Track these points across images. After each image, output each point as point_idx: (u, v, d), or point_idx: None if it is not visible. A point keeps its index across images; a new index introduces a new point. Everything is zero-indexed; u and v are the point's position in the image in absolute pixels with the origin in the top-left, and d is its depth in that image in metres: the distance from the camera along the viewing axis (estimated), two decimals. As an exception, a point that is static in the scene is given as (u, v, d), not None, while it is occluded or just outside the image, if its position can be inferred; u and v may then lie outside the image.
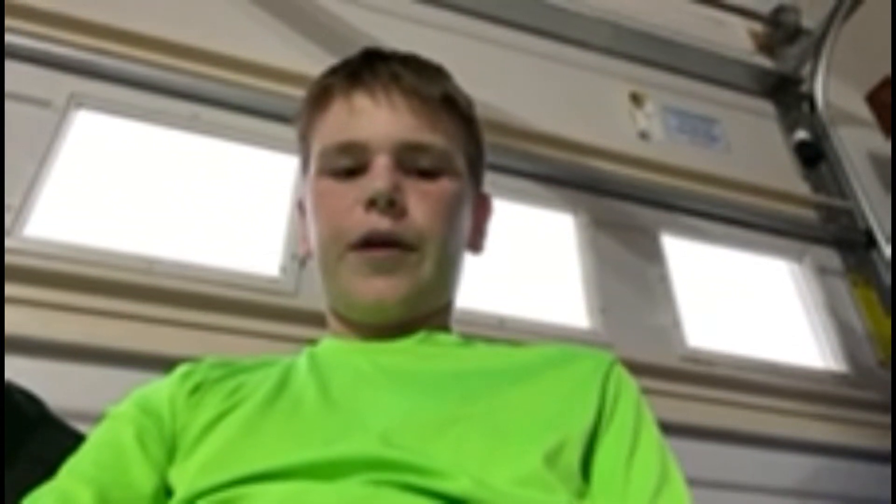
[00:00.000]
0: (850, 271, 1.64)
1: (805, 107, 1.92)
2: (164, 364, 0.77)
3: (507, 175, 1.42)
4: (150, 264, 1.06)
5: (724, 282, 1.53)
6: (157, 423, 0.56)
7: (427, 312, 0.65)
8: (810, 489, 1.27)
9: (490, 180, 0.78)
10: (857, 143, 1.89)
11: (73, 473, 0.52)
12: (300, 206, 0.73)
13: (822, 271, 1.61)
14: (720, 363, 1.35)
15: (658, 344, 1.33)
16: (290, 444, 0.51)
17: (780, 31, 1.97)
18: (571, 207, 1.47)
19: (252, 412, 0.54)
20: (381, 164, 0.61)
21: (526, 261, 1.37)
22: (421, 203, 0.62)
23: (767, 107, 1.95)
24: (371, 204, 0.60)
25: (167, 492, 0.53)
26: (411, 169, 0.63)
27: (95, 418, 0.59)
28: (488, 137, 0.75)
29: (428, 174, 0.64)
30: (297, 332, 1.03)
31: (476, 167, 0.72)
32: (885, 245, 1.62)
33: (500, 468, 0.48)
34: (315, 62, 1.16)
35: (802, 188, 1.77)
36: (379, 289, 0.60)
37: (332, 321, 0.68)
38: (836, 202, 1.74)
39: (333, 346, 0.66)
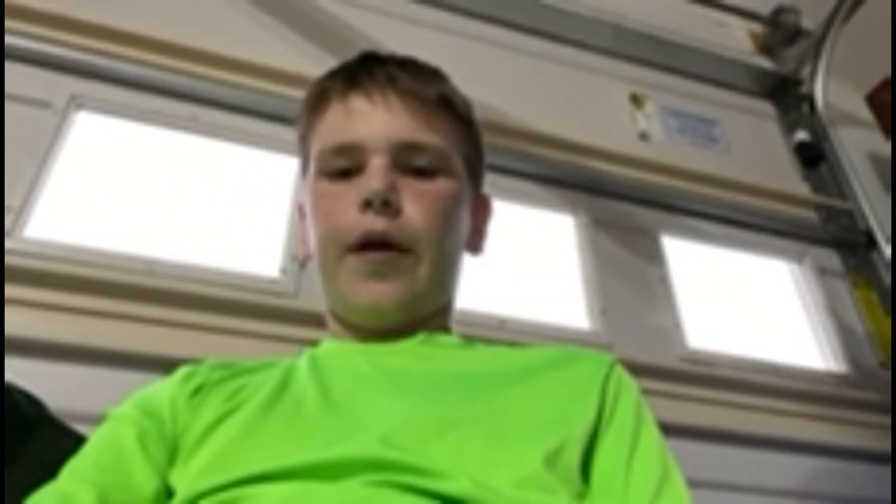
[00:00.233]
0: (850, 272, 1.64)
1: (805, 107, 1.92)
2: (163, 365, 0.77)
3: (508, 176, 1.42)
4: (149, 265, 1.06)
5: (724, 282, 1.53)
6: (158, 424, 0.56)
7: (426, 314, 0.65)
8: (810, 490, 1.27)
9: (490, 181, 0.78)
10: (857, 143, 1.89)
11: (75, 475, 0.52)
12: (300, 209, 0.73)
13: (822, 272, 1.61)
14: (720, 364, 1.35)
15: (658, 345, 1.33)
16: (291, 445, 0.51)
17: (779, 32, 1.97)
18: (571, 208, 1.47)
19: (253, 414, 0.55)
20: (377, 165, 0.62)
21: (526, 261, 1.37)
22: (417, 203, 0.62)
23: (767, 108, 1.95)
24: (367, 204, 0.60)
25: (168, 493, 0.53)
26: (407, 169, 0.63)
27: (95, 419, 0.59)
28: (489, 138, 0.75)
29: (424, 174, 0.64)
30: (297, 333, 1.03)
31: (474, 168, 0.72)
32: (886, 245, 1.62)
33: (501, 469, 0.48)
34: (315, 63, 1.17)
35: (802, 189, 1.77)
36: (376, 292, 0.60)
37: (331, 323, 0.68)
38: (836, 203, 1.74)
39: (334, 348, 0.66)
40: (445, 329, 0.68)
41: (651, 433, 0.57)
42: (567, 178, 1.49)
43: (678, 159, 1.62)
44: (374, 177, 0.61)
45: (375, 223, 0.60)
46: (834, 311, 1.54)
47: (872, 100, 2.03)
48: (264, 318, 1.06)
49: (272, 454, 0.50)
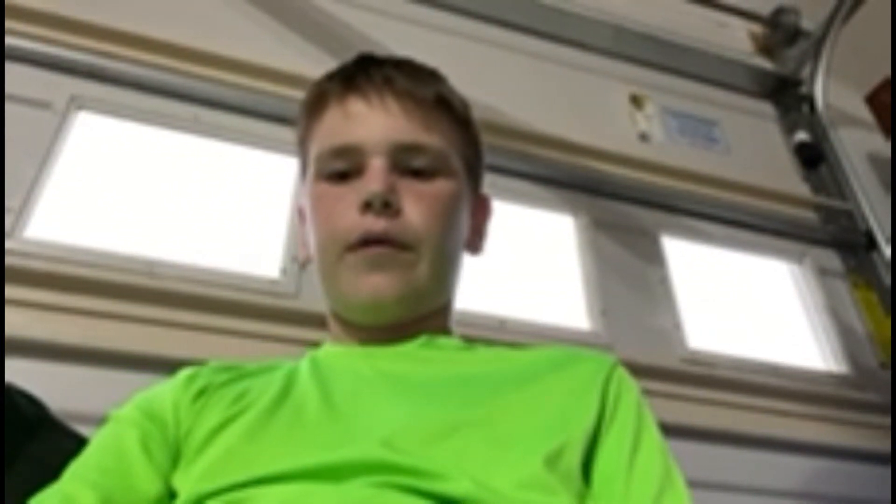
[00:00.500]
0: (850, 273, 1.65)
1: (805, 108, 1.92)
2: (164, 366, 0.77)
3: (508, 176, 1.42)
4: (150, 266, 1.06)
5: (725, 283, 1.53)
6: (160, 427, 0.56)
7: (425, 313, 0.65)
8: (810, 490, 1.27)
9: (490, 182, 0.78)
10: (857, 144, 1.89)
11: (77, 477, 0.52)
12: (300, 212, 0.73)
13: (822, 273, 1.61)
14: (721, 364, 1.35)
15: (658, 345, 1.33)
16: (293, 449, 0.51)
17: (779, 33, 1.97)
18: (572, 209, 1.47)
19: (255, 419, 0.55)
20: (376, 167, 0.62)
21: (526, 262, 1.37)
22: (416, 204, 0.62)
23: (767, 108, 1.95)
24: (366, 206, 0.60)
25: (171, 496, 0.53)
26: (406, 170, 0.63)
27: (96, 420, 0.59)
28: (489, 139, 0.75)
29: (423, 175, 0.64)
30: (297, 334, 1.04)
31: (473, 168, 0.72)
32: (886, 246, 1.62)
33: (502, 471, 0.48)
34: (315, 63, 1.17)
35: (802, 189, 1.77)
36: (376, 284, 0.60)
37: (333, 325, 0.68)
38: (836, 203, 1.74)
39: (335, 351, 0.66)
40: (445, 330, 0.68)
41: (652, 434, 0.57)
42: (567, 178, 1.49)
43: (678, 160, 1.62)
44: (374, 179, 0.61)
45: (375, 224, 0.60)
46: (834, 312, 1.54)
47: (872, 100, 2.03)
48: (265, 319, 1.06)
49: (274, 458, 0.50)
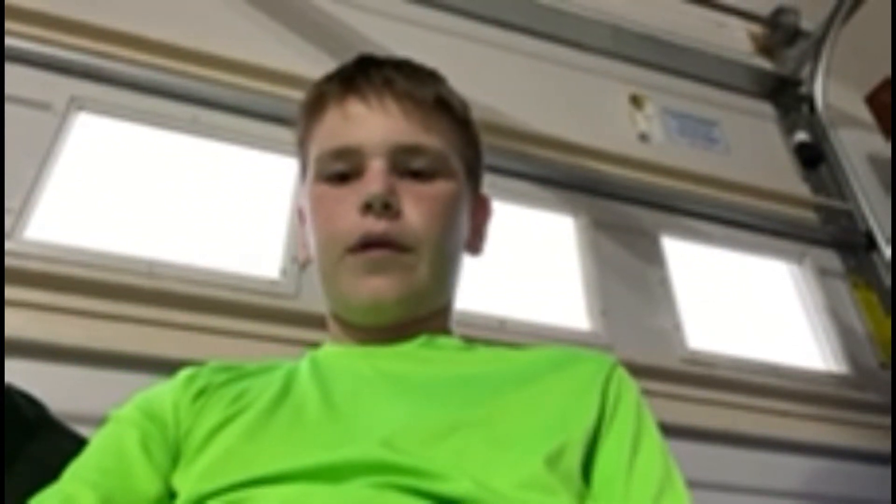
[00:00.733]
0: (850, 273, 1.65)
1: (804, 108, 1.92)
2: (164, 367, 0.77)
3: (508, 177, 1.42)
4: (150, 267, 1.06)
5: (725, 283, 1.53)
6: (160, 428, 0.56)
7: (426, 314, 0.65)
8: (810, 491, 1.27)
9: (490, 182, 0.78)
10: (857, 144, 1.90)
11: (77, 478, 0.52)
12: (300, 213, 0.73)
13: (822, 273, 1.61)
14: (720, 365, 1.35)
15: (658, 346, 1.33)
16: (293, 449, 0.51)
17: (779, 33, 1.97)
18: (572, 209, 1.47)
19: (255, 419, 0.55)
20: (376, 168, 0.62)
21: (526, 262, 1.37)
22: (417, 205, 0.62)
23: (767, 108, 1.95)
24: (367, 208, 0.60)
25: (170, 497, 0.53)
26: (406, 171, 0.63)
27: (96, 421, 0.59)
28: (489, 139, 0.75)
29: (423, 176, 0.64)
30: (297, 335, 1.04)
31: (473, 169, 0.72)
32: (886, 247, 1.62)
33: (502, 471, 0.48)
34: (315, 64, 1.17)
35: (802, 190, 1.77)
36: (376, 287, 0.60)
37: (333, 326, 0.68)
38: (836, 204, 1.74)
39: (335, 352, 0.66)
40: (446, 331, 0.68)
41: (652, 435, 0.57)
42: (567, 179, 1.50)
43: (678, 160, 1.62)
44: (374, 180, 0.61)
45: (375, 226, 0.60)
46: (834, 312, 1.54)
47: (872, 100, 2.03)
48: (265, 320, 1.06)
49: (274, 458, 0.50)
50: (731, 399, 1.30)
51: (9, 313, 0.93)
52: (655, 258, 1.47)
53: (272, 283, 1.12)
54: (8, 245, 1.00)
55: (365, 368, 0.60)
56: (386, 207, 0.60)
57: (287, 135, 1.21)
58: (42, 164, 1.09)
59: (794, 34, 1.95)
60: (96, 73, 1.21)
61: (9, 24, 1.17)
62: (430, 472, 0.47)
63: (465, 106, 0.71)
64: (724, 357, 1.37)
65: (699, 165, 1.63)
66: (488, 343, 0.71)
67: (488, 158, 0.76)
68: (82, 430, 0.64)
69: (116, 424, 0.57)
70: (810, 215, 1.71)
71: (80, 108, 1.19)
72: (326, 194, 0.64)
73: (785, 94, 1.95)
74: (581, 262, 1.40)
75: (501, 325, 1.22)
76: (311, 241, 0.66)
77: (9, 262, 0.96)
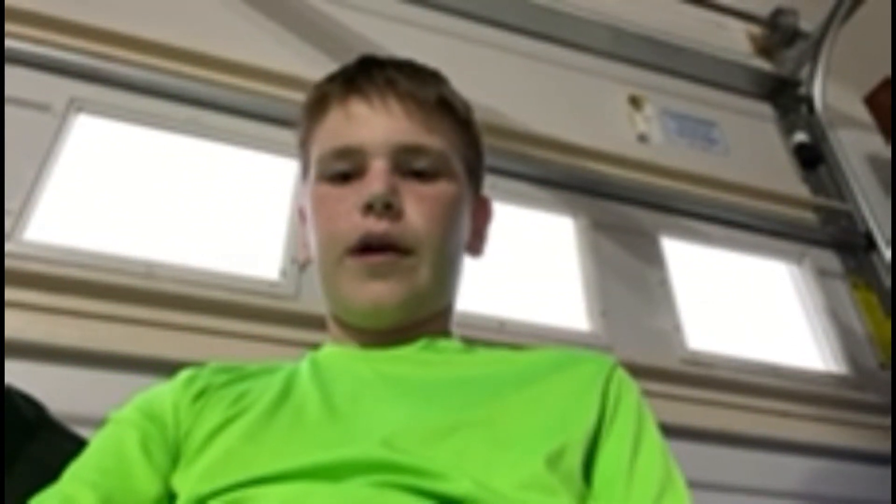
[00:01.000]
0: (849, 273, 1.65)
1: (803, 109, 1.92)
2: (164, 368, 0.77)
3: (507, 178, 1.42)
4: (149, 268, 1.06)
5: (724, 284, 1.53)
6: (160, 428, 0.56)
7: (426, 316, 0.65)
8: (810, 491, 1.27)
9: (490, 183, 0.78)
10: (856, 145, 1.90)
11: (77, 478, 0.52)
12: (301, 213, 0.73)
13: (821, 273, 1.61)
14: (720, 365, 1.35)
15: (658, 346, 1.33)
16: (293, 450, 0.51)
17: (778, 34, 1.98)
18: (571, 210, 1.47)
19: (255, 420, 0.55)
20: (378, 168, 0.62)
21: (526, 263, 1.37)
22: (418, 206, 0.62)
23: (766, 109, 1.95)
24: (368, 208, 0.60)
25: (170, 497, 0.53)
26: (408, 172, 0.63)
27: (95, 422, 0.59)
28: (489, 140, 0.75)
29: (425, 177, 0.64)
30: (297, 336, 1.03)
31: (474, 170, 0.72)
32: (886, 248, 1.62)
33: (502, 471, 0.48)
34: (314, 65, 1.17)
35: (801, 190, 1.77)
36: (376, 292, 0.60)
37: (332, 327, 0.68)
38: (836, 204, 1.74)
39: (335, 353, 0.66)
40: (446, 332, 0.68)
41: (653, 436, 0.57)
42: (567, 180, 1.50)
43: (677, 161, 1.62)
44: (376, 180, 0.61)
45: (376, 226, 0.60)
46: (833, 313, 1.54)
47: (871, 101, 2.03)
48: (264, 321, 1.06)
49: (274, 458, 0.50)
50: (730, 399, 1.30)
51: (8, 314, 0.92)
52: (655, 259, 1.47)
53: (272, 284, 1.12)
54: (8, 246, 1.00)
55: (365, 370, 0.60)
56: (387, 207, 0.60)
57: (286, 136, 1.22)
58: (41, 166, 1.09)
59: (793, 35, 1.95)
60: (95, 74, 1.21)
61: (8, 26, 1.17)
62: (430, 471, 0.47)
63: (467, 107, 0.71)
64: (724, 357, 1.37)
65: (698, 166, 1.63)
66: (488, 344, 0.71)
67: (488, 159, 0.76)
68: (82, 432, 0.64)
69: (116, 425, 0.57)
70: (809, 216, 1.71)
71: (80, 109, 1.19)
72: (328, 194, 0.64)
73: (784, 95, 1.96)
74: (581, 262, 1.40)
75: (501, 326, 1.22)
76: (312, 241, 0.66)
77: (8, 263, 0.96)
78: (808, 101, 1.91)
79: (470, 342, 0.68)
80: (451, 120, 0.68)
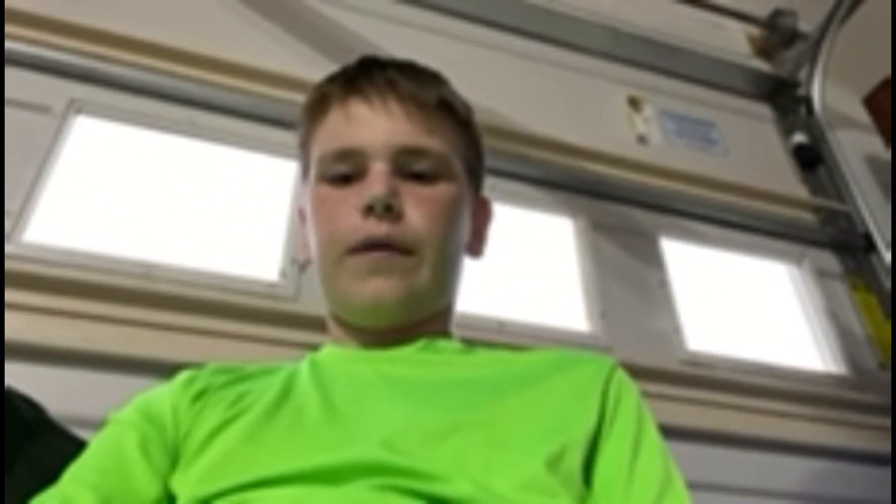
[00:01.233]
0: (848, 274, 1.65)
1: (802, 110, 1.93)
2: (163, 369, 0.77)
3: (507, 179, 1.42)
4: (148, 269, 1.06)
5: (724, 285, 1.54)
6: (159, 430, 0.56)
7: (426, 316, 0.65)
8: (810, 492, 1.27)
9: (489, 184, 0.78)
10: (855, 145, 1.90)
11: (77, 479, 0.52)
12: (301, 214, 0.73)
13: (821, 274, 1.61)
14: (720, 366, 1.35)
15: (658, 347, 1.33)
16: (293, 452, 0.51)
17: (777, 35, 1.98)
18: (570, 211, 1.47)
19: (255, 421, 0.55)
20: (378, 170, 0.62)
21: (525, 264, 1.37)
22: (418, 207, 0.62)
23: (765, 110, 1.95)
24: (368, 210, 0.60)
25: (169, 499, 0.53)
26: (408, 174, 0.63)
27: (95, 424, 0.59)
28: (489, 141, 0.75)
29: (425, 178, 0.64)
30: (297, 337, 1.03)
31: (475, 172, 0.72)
32: (886, 251, 1.62)
33: (502, 473, 0.48)
34: (313, 66, 1.17)
35: (800, 191, 1.77)
36: (377, 288, 0.60)
37: (332, 328, 0.68)
38: (835, 205, 1.74)
39: (335, 354, 0.65)
40: (446, 333, 0.68)
41: (652, 437, 0.57)
42: (566, 181, 1.50)
43: (676, 162, 1.62)
44: (376, 182, 0.61)
45: (377, 228, 0.60)
46: (833, 313, 1.54)
47: (870, 102, 2.04)
48: (264, 322, 1.06)
49: (274, 460, 0.50)
50: (730, 400, 1.30)
51: (8, 316, 0.92)
52: (654, 260, 1.48)
53: (271, 285, 1.12)
54: (7, 248, 1.00)
55: (365, 371, 0.60)
56: (388, 209, 0.60)
57: (286, 137, 1.22)
58: (41, 167, 1.09)
59: (792, 36, 1.96)
60: (95, 75, 1.21)
61: (8, 28, 1.17)
62: (429, 473, 0.47)
63: (467, 108, 0.71)
64: (724, 358, 1.37)
65: (697, 167, 1.63)
66: (488, 345, 0.71)
67: (488, 160, 0.76)
68: (81, 433, 0.64)
69: (115, 427, 0.57)
70: (809, 217, 1.72)
71: (79, 110, 1.19)
72: (328, 195, 0.64)
73: (783, 96, 1.96)
74: (580, 263, 1.40)
75: (501, 326, 1.22)
76: (312, 242, 0.66)
77: (8, 264, 0.96)
78: (807, 101, 1.92)
79: (469, 343, 0.68)
80: (452, 121, 0.68)
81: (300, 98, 0.72)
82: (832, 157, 1.81)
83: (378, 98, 0.64)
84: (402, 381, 0.59)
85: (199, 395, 0.59)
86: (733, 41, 2.01)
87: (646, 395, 0.62)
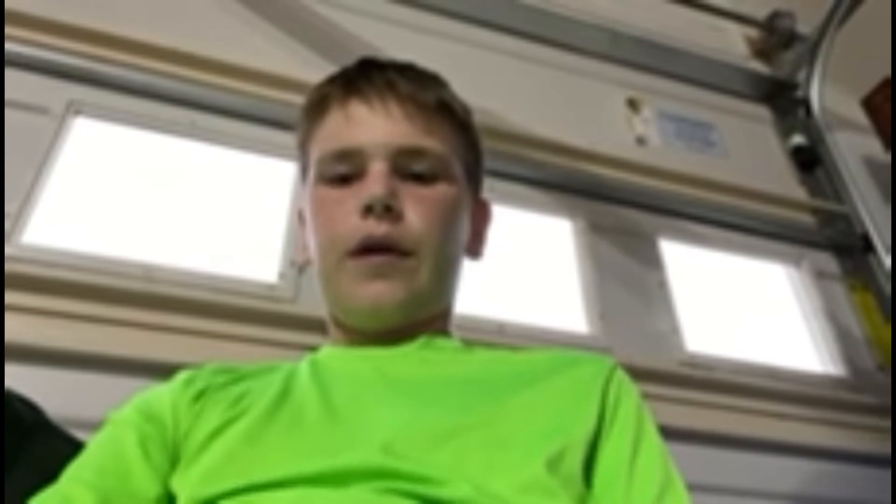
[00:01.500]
0: (847, 275, 1.65)
1: (801, 112, 1.93)
2: (162, 371, 0.77)
3: (506, 180, 1.43)
4: (147, 271, 1.06)
5: (723, 286, 1.54)
6: (159, 429, 0.56)
7: (426, 318, 0.65)
8: (809, 493, 1.27)
9: (489, 185, 0.78)
10: (853, 147, 1.90)
11: (76, 479, 0.52)
12: (300, 215, 0.73)
13: (819, 275, 1.61)
14: (719, 367, 1.35)
15: (657, 348, 1.33)
16: (293, 454, 0.51)
17: (775, 37, 1.98)
18: (569, 213, 1.48)
19: (255, 422, 0.54)
20: (377, 171, 0.62)
21: (525, 266, 1.37)
22: (417, 208, 0.62)
23: (764, 112, 1.96)
24: (367, 210, 0.60)
25: (169, 499, 0.53)
26: (407, 174, 0.63)
27: (94, 425, 0.59)
28: (487, 143, 0.75)
29: (424, 179, 0.64)
30: (296, 339, 1.03)
31: (474, 173, 0.72)
32: (886, 255, 1.62)
33: (502, 475, 0.48)
34: (312, 68, 1.17)
35: (799, 193, 1.78)
36: (377, 292, 0.60)
37: (332, 329, 0.68)
38: (833, 206, 1.75)
39: (335, 354, 0.65)
40: (445, 334, 0.68)
41: (652, 438, 0.57)
42: (565, 182, 1.50)
43: (675, 163, 1.62)
44: (375, 182, 0.61)
45: (376, 228, 0.60)
46: (832, 314, 1.54)
47: (868, 103, 2.04)
48: (263, 324, 1.06)
49: (275, 463, 0.50)
50: (729, 402, 1.30)
51: (7, 318, 0.92)
52: (653, 261, 1.48)
53: (270, 286, 1.12)
54: (6, 249, 1.00)
55: (364, 371, 0.60)
56: (387, 210, 0.60)
57: (285, 138, 1.22)
58: (40, 169, 1.09)
59: (790, 38, 1.96)
60: (94, 77, 1.21)
61: (7, 29, 1.17)
62: (429, 477, 0.47)
63: (466, 110, 0.72)
64: (723, 360, 1.37)
65: (696, 168, 1.64)
66: (488, 346, 0.71)
67: (486, 162, 0.76)
68: (80, 434, 0.64)
69: (115, 426, 0.57)
70: (807, 218, 1.72)
71: (78, 112, 1.19)
72: (327, 196, 0.64)
73: (781, 98, 1.96)
74: (579, 265, 1.40)
75: (500, 328, 1.22)
76: (312, 243, 0.66)
77: (7, 266, 0.96)
78: (806, 103, 1.92)
79: (469, 343, 0.68)
80: (451, 123, 0.68)
81: (299, 99, 0.72)
82: (831, 159, 1.82)
83: (377, 99, 0.64)
84: (402, 380, 0.59)
85: (200, 395, 0.59)
86: (732, 43, 2.01)
87: (645, 396, 0.62)
